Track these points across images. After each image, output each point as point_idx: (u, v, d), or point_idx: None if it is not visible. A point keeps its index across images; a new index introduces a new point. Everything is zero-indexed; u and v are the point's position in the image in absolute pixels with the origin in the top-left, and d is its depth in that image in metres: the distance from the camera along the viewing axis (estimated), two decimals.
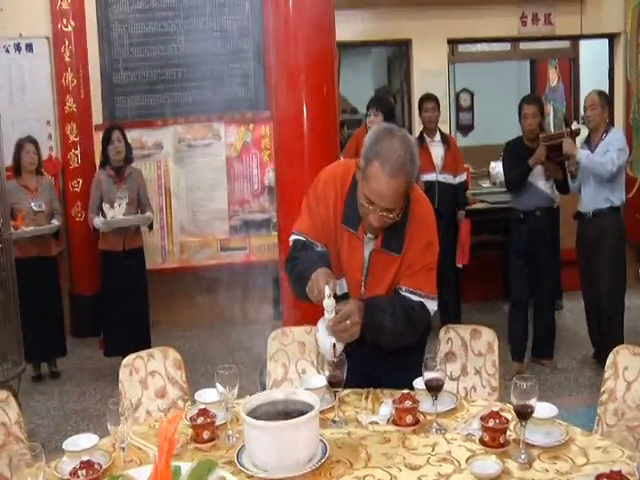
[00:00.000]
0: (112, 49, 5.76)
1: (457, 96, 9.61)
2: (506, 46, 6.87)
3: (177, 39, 5.72)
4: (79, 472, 1.56)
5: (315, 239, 2.09)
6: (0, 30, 5.43)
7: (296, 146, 3.44)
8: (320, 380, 2.01)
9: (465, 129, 9.81)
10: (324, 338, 1.86)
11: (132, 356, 2.40)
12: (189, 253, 5.90)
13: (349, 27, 5.80)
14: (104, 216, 4.70)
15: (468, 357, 2.41)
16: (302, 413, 1.64)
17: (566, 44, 6.99)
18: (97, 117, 5.75)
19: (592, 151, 4.24)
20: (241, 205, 5.91)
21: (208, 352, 5.20)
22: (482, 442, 1.68)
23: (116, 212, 4.69)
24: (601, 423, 2.09)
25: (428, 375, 1.81)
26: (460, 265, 5.05)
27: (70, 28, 5.48)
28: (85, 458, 1.59)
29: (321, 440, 1.72)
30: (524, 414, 1.61)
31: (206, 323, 5.65)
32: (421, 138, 4.87)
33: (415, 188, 2.06)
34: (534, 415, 1.68)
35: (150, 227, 5.05)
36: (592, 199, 4.30)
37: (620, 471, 1.40)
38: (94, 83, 5.69)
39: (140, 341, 4.39)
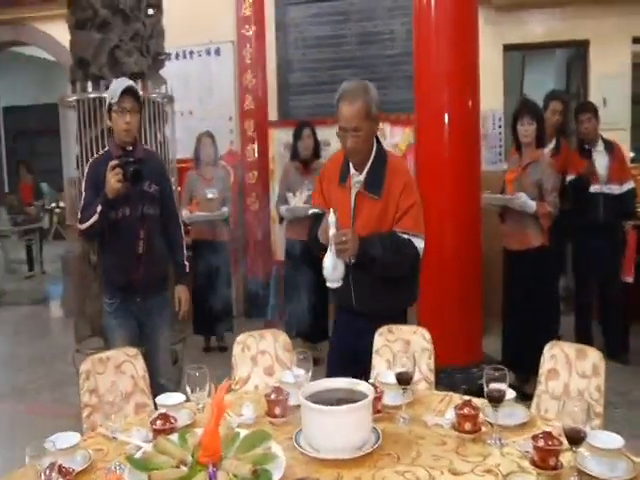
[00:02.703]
0: (288, 51, 6.18)
1: None
2: None
3: (348, 41, 5.96)
4: (157, 422, 1.81)
5: (325, 207, 2.60)
6: (195, 37, 6.08)
7: (436, 150, 3.47)
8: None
9: None
10: (328, 259, 2.35)
11: (245, 334, 2.64)
12: None
13: (530, 28, 5.60)
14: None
15: (571, 377, 2.30)
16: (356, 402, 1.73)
17: None
18: (272, 114, 6.20)
19: None
20: None
21: None
22: (532, 462, 1.63)
23: (296, 200, 4.89)
24: None
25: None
26: (628, 279, 4.63)
27: (251, 32, 5.98)
28: (164, 411, 1.84)
29: (376, 431, 1.79)
30: (576, 439, 1.54)
31: None
32: (582, 148, 4.56)
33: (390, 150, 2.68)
34: (600, 445, 1.59)
35: None
36: None
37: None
38: (271, 83, 6.15)
39: None
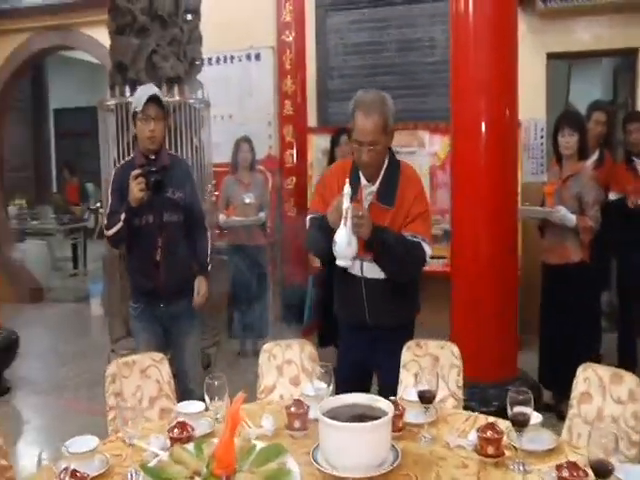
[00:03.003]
0: (328, 57, 6.17)
1: None
2: None
3: (388, 48, 5.92)
4: (174, 430, 1.80)
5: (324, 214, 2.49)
6: (236, 42, 6.13)
7: (472, 159, 3.40)
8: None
9: None
10: (342, 234, 2.25)
11: (271, 343, 2.63)
12: None
13: (576, 36, 5.46)
14: None
15: (606, 402, 2.21)
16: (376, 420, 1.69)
17: None
18: (311, 120, 6.19)
19: None
20: (443, 215, 5.83)
21: None
22: None
23: None
24: None
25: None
26: None
27: (291, 38, 6.00)
28: (182, 420, 1.83)
29: (395, 449, 1.75)
30: (603, 472, 1.47)
31: None
32: (628, 160, 4.39)
33: (403, 160, 2.59)
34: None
35: None
36: None
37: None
38: (310, 89, 6.14)
39: None
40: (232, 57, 6.37)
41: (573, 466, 1.54)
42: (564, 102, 6.89)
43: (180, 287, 3.08)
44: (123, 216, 2.86)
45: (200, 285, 3.14)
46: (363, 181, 2.49)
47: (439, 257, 5.70)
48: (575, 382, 2.26)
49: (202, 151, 4.05)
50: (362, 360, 2.60)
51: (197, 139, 3.99)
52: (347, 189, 2.24)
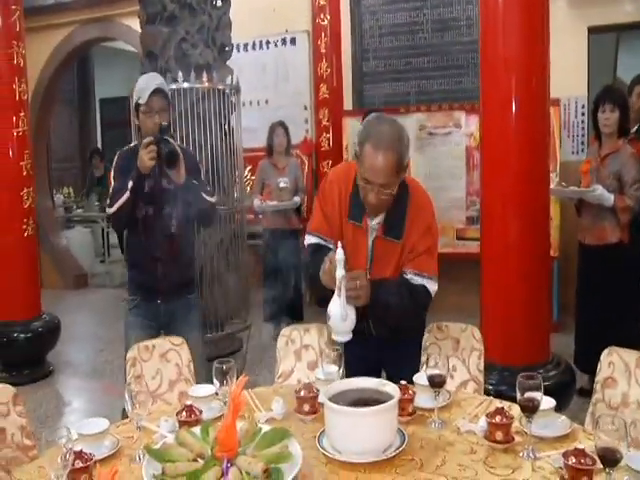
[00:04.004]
0: (363, 40, 6.12)
1: None
2: None
3: (424, 29, 5.82)
4: (182, 413, 1.83)
5: (327, 235, 2.27)
6: (271, 27, 6.13)
7: (502, 138, 3.31)
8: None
9: None
10: (335, 306, 2.00)
11: (289, 328, 2.63)
12: None
13: (619, 8, 5.23)
14: None
15: (631, 387, 2.13)
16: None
17: None
18: (347, 103, 6.15)
19: None
20: (479, 196, 5.75)
21: None
22: None
23: None
24: None
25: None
26: None
27: (326, 22, 5.96)
28: (190, 403, 1.86)
29: (402, 434, 1.73)
30: (611, 460, 1.41)
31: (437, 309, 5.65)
32: None
33: (412, 178, 2.29)
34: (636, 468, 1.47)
35: None
36: None
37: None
38: (345, 72, 6.12)
39: None
40: (268, 42, 6.39)
41: (580, 453, 1.49)
42: (611, 77, 6.63)
43: (180, 285, 2.90)
44: (130, 184, 2.63)
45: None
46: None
47: (475, 239, 5.61)
48: (599, 367, 2.19)
49: (232, 137, 4.05)
50: (370, 357, 2.39)
51: (227, 125, 3.99)
52: (340, 254, 1.95)
